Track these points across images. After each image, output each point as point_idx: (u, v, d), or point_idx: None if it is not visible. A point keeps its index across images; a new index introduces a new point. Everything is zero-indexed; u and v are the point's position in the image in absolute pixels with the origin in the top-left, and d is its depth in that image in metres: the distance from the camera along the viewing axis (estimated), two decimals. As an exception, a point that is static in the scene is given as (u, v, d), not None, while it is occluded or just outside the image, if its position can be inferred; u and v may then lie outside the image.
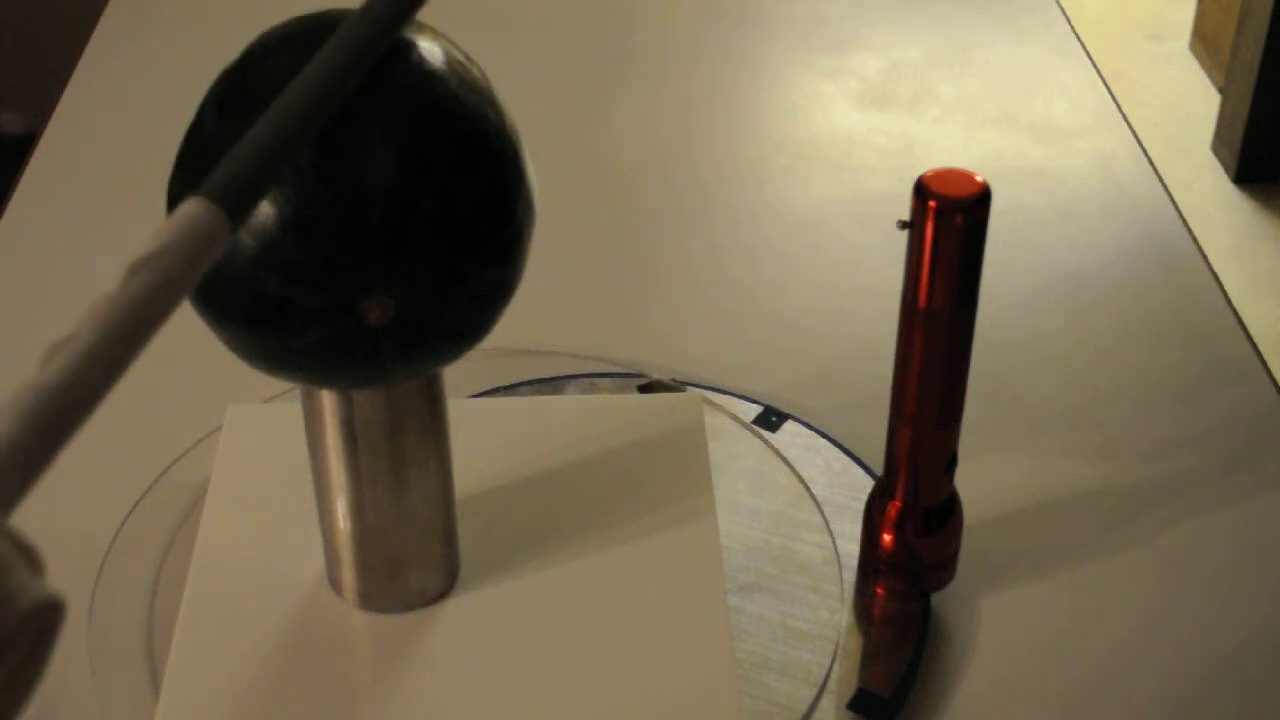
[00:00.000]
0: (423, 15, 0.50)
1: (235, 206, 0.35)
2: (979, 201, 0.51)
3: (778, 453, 0.67)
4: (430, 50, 0.47)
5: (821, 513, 0.64)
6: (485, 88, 0.48)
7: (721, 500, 0.63)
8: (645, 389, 0.70)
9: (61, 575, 0.61)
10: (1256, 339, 0.75)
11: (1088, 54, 1.00)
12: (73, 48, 1.00)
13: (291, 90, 0.39)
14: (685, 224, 0.85)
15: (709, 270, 0.81)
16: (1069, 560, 0.63)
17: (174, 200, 0.47)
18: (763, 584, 0.61)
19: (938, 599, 0.60)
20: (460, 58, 0.48)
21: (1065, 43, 1.02)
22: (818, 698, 0.56)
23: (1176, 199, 0.86)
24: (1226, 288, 0.79)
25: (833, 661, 0.57)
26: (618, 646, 0.56)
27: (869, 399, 0.67)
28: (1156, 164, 0.89)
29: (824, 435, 0.68)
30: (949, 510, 0.59)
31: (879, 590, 0.60)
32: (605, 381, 0.71)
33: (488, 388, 0.69)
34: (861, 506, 0.61)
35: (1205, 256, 0.81)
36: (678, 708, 0.54)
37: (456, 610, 0.57)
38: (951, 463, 0.58)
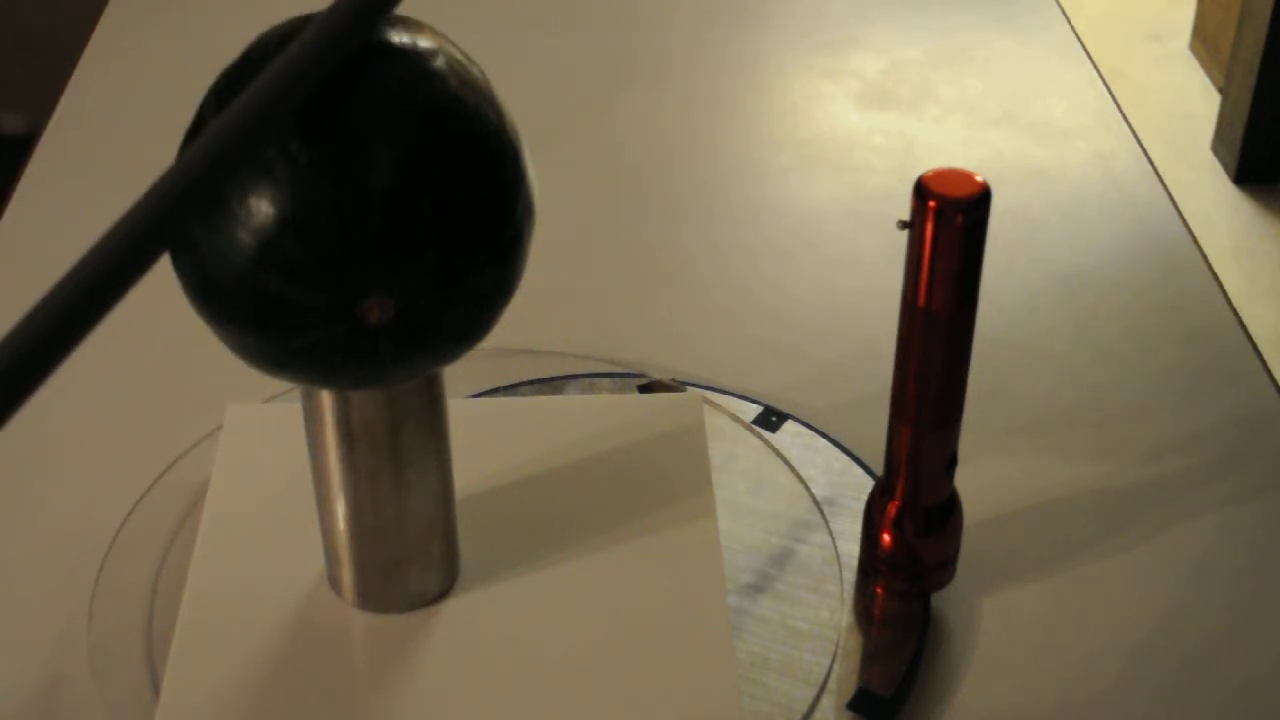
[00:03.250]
0: (423, 15, 0.50)
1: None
2: (979, 201, 0.51)
3: (778, 453, 0.67)
4: (430, 50, 0.47)
5: (821, 513, 0.64)
6: (485, 88, 0.48)
7: (721, 500, 0.63)
8: (645, 389, 0.70)
9: (61, 575, 0.61)
10: (1256, 339, 0.75)
11: (1088, 54, 1.00)
12: (73, 48, 1.00)
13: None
14: (685, 224, 0.85)
15: (709, 270, 0.81)
16: (1069, 560, 0.63)
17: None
18: (763, 584, 0.61)
19: (938, 599, 0.60)
20: (460, 58, 0.48)
21: (1065, 43, 1.02)
22: (818, 698, 0.56)
23: (1176, 199, 0.86)
24: (1226, 288, 0.79)
25: (833, 661, 0.57)
26: (618, 646, 0.56)
27: (869, 399, 0.67)
28: (1156, 164, 0.89)
29: (824, 435, 0.68)
30: (949, 510, 0.59)
31: (879, 590, 0.60)
32: (605, 381, 0.71)
33: (488, 388, 0.69)
34: (861, 506, 0.61)
35: (1205, 256, 0.81)
36: (678, 708, 0.54)
37: (456, 610, 0.57)
38: (951, 463, 0.58)
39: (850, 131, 0.93)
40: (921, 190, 0.52)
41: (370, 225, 0.45)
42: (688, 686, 0.54)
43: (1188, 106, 2.24)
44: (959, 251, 0.52)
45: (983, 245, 0.53)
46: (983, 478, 0.65)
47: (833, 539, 0.62)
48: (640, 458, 0.63)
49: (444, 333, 0.48)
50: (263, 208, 0.45)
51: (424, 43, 0.47)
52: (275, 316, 0.46)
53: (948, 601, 0.60)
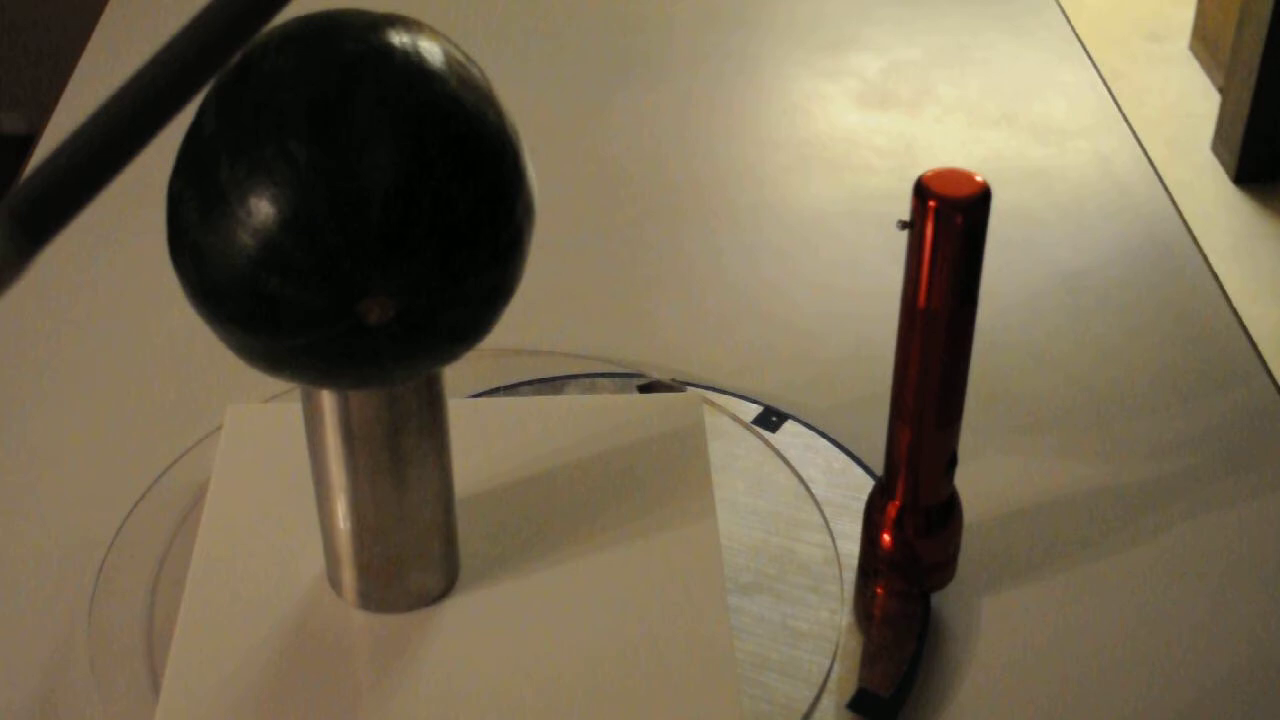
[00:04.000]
0: (423, 15, 0.50)
1: (33, 226, 0.30)
2: (979, 201, 0.51)
3: (778, 453, 0.67)
4: (430, 50, 0.47)
5: (821, 513, 0.64)
6: (485, 88, 0.48)
7: (721, 500, 0.63)
8: (645, 389, 0.70)
9: (61, 575, 0.61)
10: (1256, 339, 0.75)
11: (1088, 54, 1.00)
12: (73, 48, 1.01)
13: (123, 92, 0.33)
14: (685, 224, 0.85)
15: (709, 270, 0.81)
16: (1069, 560, 0.63)
17: (174, 201, 0.47)
18: (763, 584, 0.61)
19: (938, 599, 0.60)
20: (460, 58, 0.48)
21: (1065, 43, 1.02)
22: (818, 698, 0.56)
23: (1176, 199, 0.86)
24: (1226, 288, 0.79)
25: (833, 661, 0.57)
26: (618, 646, 0.56)
27: (869, 399, 0.67)
28: (1156, 164, 0.89)
29: (824, 435, 0.68)
30: (949, 510, 0.59)
31: (879, 590, 0.60)
32: (605, 381, 0.71)
33: (488, 388, 0.69)
34: (861, 506, 0.61)
35: (1205, 256, 0.81)
36: (678, 708, 0.54)
37: (456, 610, 0.57)
38: (951, 463, 0.58)
39: (850, 131, 0.93)
40: (921, 190, 0.52)
41: (370, 225, 0.45)
42: (688, 686, 0.54)
43: (1188, 106, 2.24)
44: (959, 251, 0.52)
45: (983, 245, 0.53)
46: (983, 478, 0.65)
47: (833, 539, 0.62)
48: (640, 458, 0.63)
49: (444, 333, 0.48)
50: (263, 208, 0.45)
51: (424, 43, 0.47)
52: (275, 316, 0.46)
53: (948, 601, 0.60)
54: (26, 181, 0.30)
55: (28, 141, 0.92)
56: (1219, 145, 2.12)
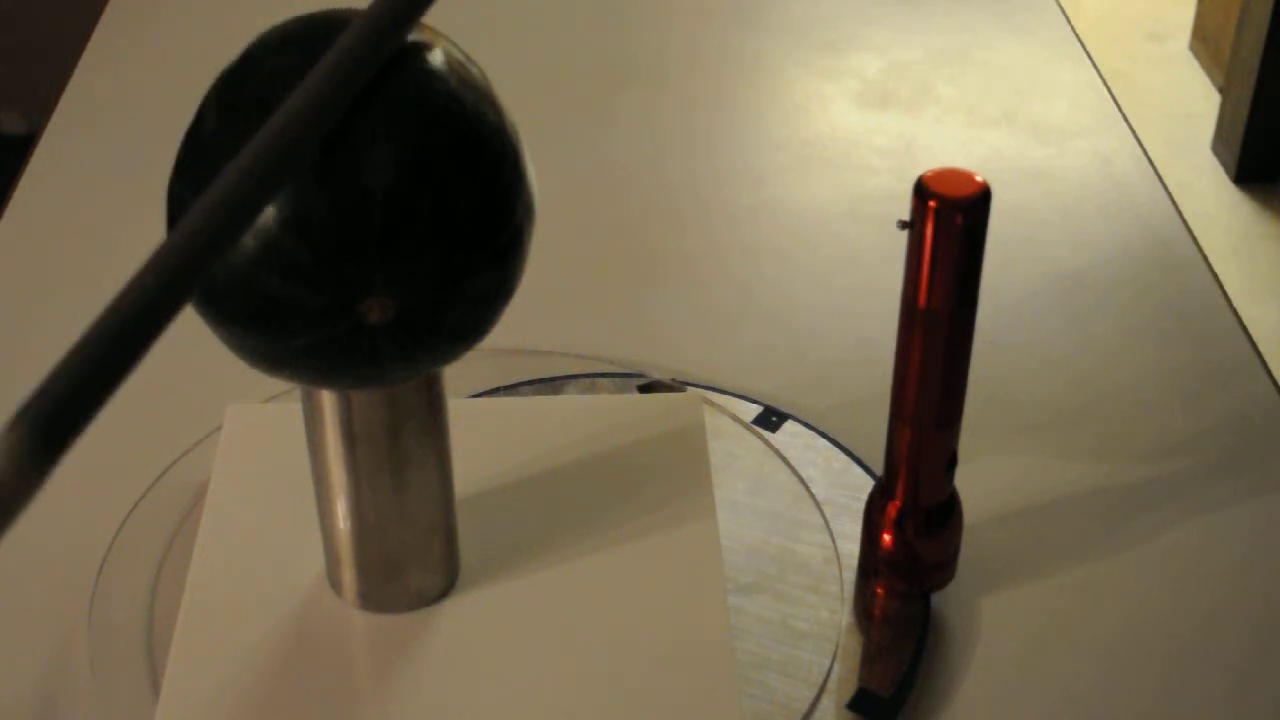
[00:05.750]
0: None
1: (57, 435, 0.27)
2: (979, 201, 0.51)
3: (778, 453, 0.67)
4: (430, 50, 0.47)
5: (821, 513, 0.64)
6: (485, 88, 0.48)
7: (721, 500, 0.63)
8: (645, 389, 0.70)
9: (61, 575, 0.61)
10: (1256, 339, 0.75)
11: (1088, 54, 1.00)
12: (73, 48, 1.01)
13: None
14: (685, 224, 0.85)
15: (709, 270, 0.81)
16: (1069, 560, 0.63)
17: (174, 201, 0.47)
18: (763, 584, 0.61)
19: (938, 599, 0.60)
20: (460, 57, 0.48)
21: (1065, 43, 1.02)
22: (818, 698, 0.56)
23: (1176, 199, 0.86)
24: (1226, 288, 0.79)
25: (833, 661, 0.57)
26: (618, 646, 0.56)
27: (869, 399, 0.67)
28: (1156, 164, 0.89)
29: (824, 435, 0.68)
30: (949, 510, 0.59)
31: (879, 590, 0.60)
32: (605, 381, 0.71)
33: (488, 388, 0.69)
34: (861, 506, 0.61)
35: (1205, 256, 0.81)
36: (678, 708, 0.54)
37: (456, 610, 0.57)
38: (951, 463, 0.58)
39: (850, 131, 0.93)
40: (921, 190, 0.52)
41: (370, 225, 0.45)
42: (688, 686, 0.54)
43: (1188, 106, 2.24)
44: (959, 251, 0.52)
45: (983, 245, 0.53)
46: (983, 478, 0.65)
47: (833, 539, 0.62)
48: (640, 458, 0.63)
49: (444, 333, 0.48)
50: (263, 208, 0.44)
51: (423, 42, 0.47)
52: (275, 316, 0.46)
53: (948, 601, 0.60)
54: (51, 384, 0.27)
55: (28, 141, 0.92)
56: (1219, 145, 2.12)
